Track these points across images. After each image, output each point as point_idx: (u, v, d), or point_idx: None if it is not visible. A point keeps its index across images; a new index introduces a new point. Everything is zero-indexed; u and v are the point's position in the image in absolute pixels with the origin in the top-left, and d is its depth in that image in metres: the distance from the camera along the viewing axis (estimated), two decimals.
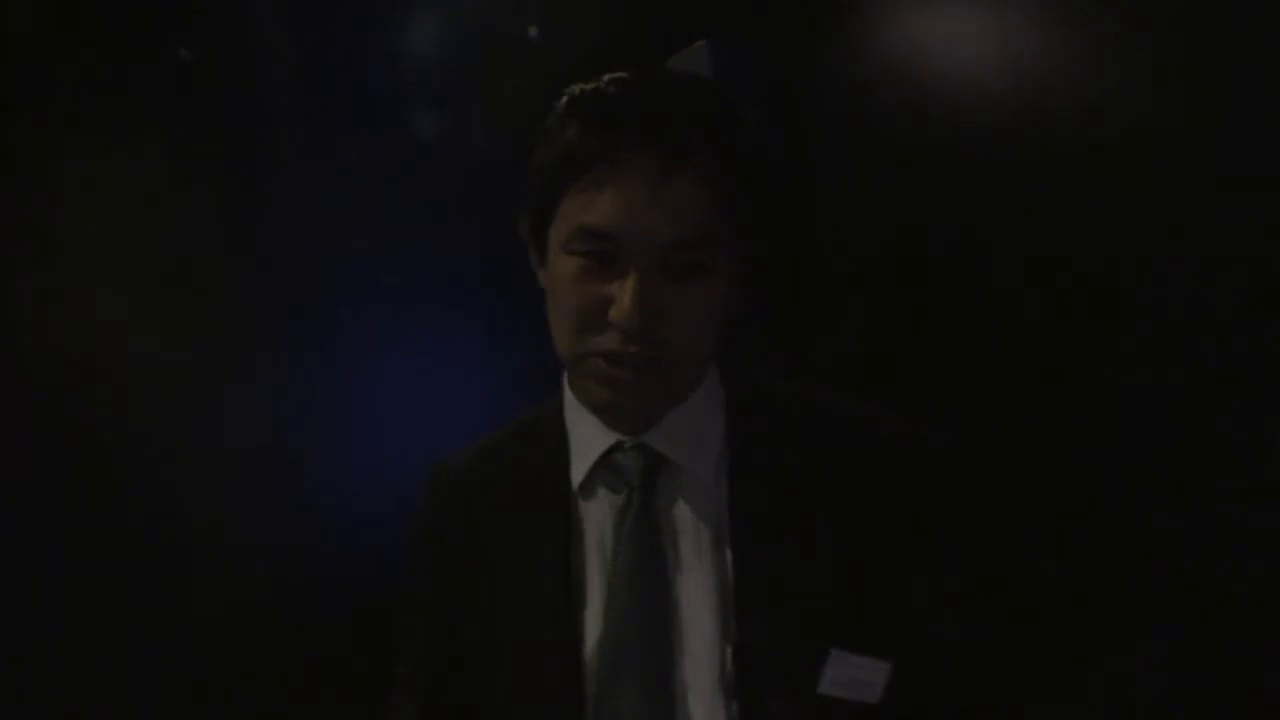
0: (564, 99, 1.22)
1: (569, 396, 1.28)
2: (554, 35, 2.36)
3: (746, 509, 1.21)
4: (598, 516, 1.25)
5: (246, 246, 2.42)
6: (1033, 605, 1.84)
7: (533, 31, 2.33)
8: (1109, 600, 1.85)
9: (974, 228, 2.01)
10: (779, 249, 1.30)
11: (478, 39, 2.41)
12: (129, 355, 2.37)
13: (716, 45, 2.02)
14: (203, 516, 2.33)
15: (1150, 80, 1.89)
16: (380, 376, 2.34)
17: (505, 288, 2.20)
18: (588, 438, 1.25)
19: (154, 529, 2.33)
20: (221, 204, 2.44)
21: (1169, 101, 1.86)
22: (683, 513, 1.23)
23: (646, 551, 1.21)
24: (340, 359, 2.37)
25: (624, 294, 1.14)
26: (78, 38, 2.38)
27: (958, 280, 2.03)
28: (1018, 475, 1.93)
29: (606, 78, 1.21)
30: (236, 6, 2.45)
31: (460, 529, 1.30)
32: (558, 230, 1.19)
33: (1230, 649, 1.72)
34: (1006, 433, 1.95)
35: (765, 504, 1.20)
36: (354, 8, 2.45)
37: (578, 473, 1.26)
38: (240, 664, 2.29)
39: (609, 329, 1.16)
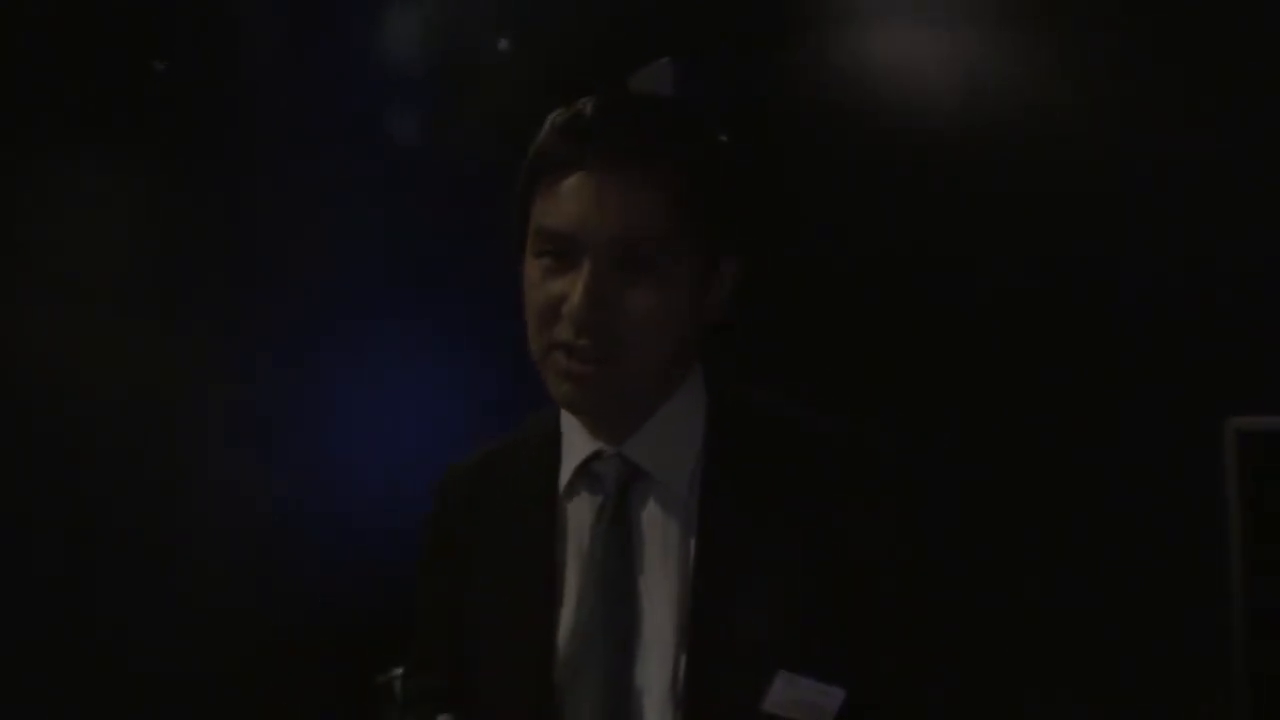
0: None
1: None
2: (524, 47, 2.39)
3: (714, 523, 1.24)
4: (579, 517, 1.29)
5: (226, 255, 2.43)
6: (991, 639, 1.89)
7: (503, 43, 2.38)
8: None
9: (930, 233, 2.08)
10: (750, 260, 1.34)
11: (450, 50, 2.44)
12: (112, 364, 2.38)
13: (678, 61, 2.07)
14: (190, 522, 2.35)
15: (1098, 90, 1.97)
16: (363, 383, 2.37)
17: (481, 294, 2.25)
18: (575, 443, 1.30)
19: (141, 533, 2.34)
20: (198, 214, 2.45)
21: (1114, 108, 1.94)
22: (654, 522, 1.26)
23: (616, 555, 1.25)
24: (320, 366, 2.39)
25: (576, 287, 1.20)
26: (55, 51, 2.39)
27: (918, 286, 2.09)
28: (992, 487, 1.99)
29: (580, 100, 1.27)
30: (210, 20, 2.46)
31: (462, 525, 1.35)
32: (529, 237, 1.26)
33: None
34: (980, 438, 2.02)
35: (733, 519, 1.24)
36: (327, 20, 2.47)
37: (564, 475, 1.30)
38: (226, 666, 2.30)
39: (564, 322, 1.21)
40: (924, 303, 2.08)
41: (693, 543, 1.24)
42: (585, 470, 1.29)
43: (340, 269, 2.41)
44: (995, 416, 2.01)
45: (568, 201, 1.21)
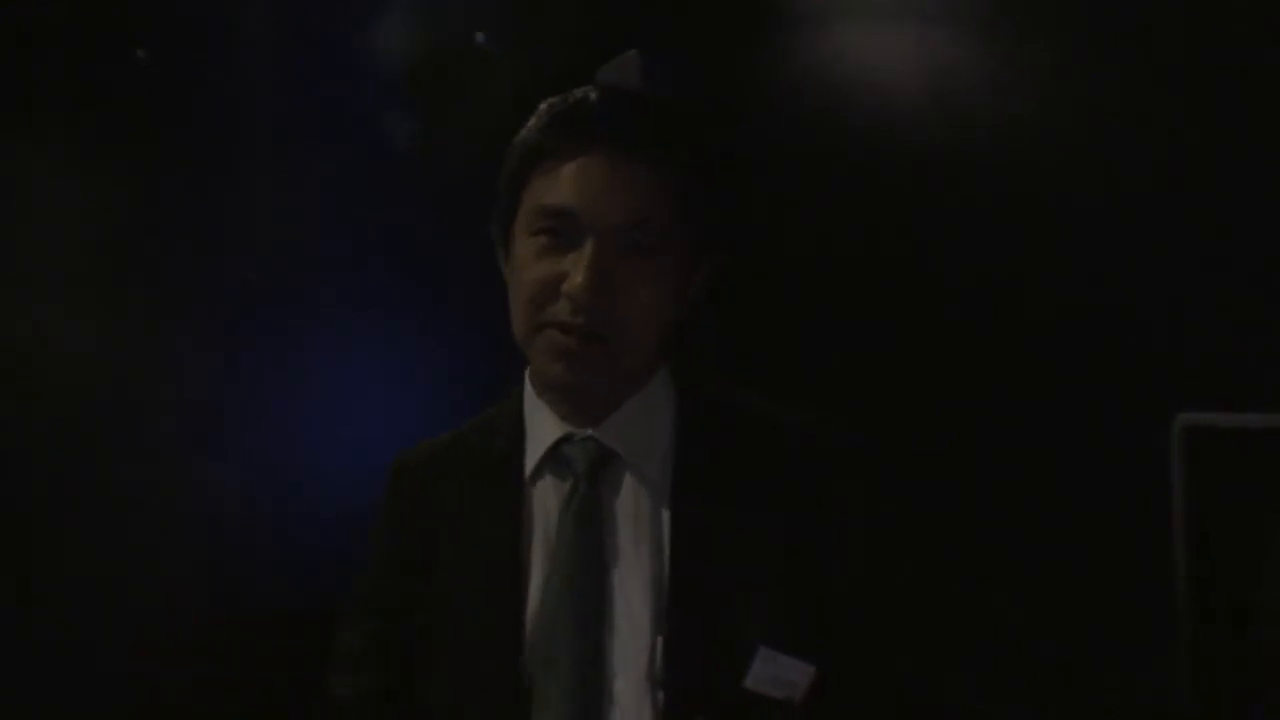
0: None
1: (529, 389, 1.35)
2: (501, 43, 2.41)
3: (687, 507, 1.26)
4: (545, 502, 1.31)
5: (200, 247, 2.44)
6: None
7: (480, 37, 2.39)
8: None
9: (891, 235, 2.09)
10: (729, 252, 1.36)
11: (427, 44, 2.45)
12: (83, 353, 2.38)
13: (647, 55, 2.09)
14: (157, 515, 2.35)
15: (1063, 95, 1.99)
16: (337, 377, 2.37)
17: (453, 288, 2.26)
18: (542, 428, 1.32)
19: (103, 527, 2.34)
20: (176, 206, 2.46)
21: (1081, 114, 1.96)
22: (624, 505, 1.28)
23: (585, 538, 1.27)
24: (293, 360, 2.40)
25: (578, 267, 1.22)
26: (34, 39, 2.40)
27: (882, 286, 2.10)
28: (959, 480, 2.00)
29: (574, 91, 1.31)
30: (191, 10, 2.47)
31: (417, 513, 1.36)
32: (521, 217, 1.28)
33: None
34: (947, 436, 2.03)
35: (705, 504, 1.26)
36: (308, 13, 2.47)
37: (530, 461, 1.32)
38: (186, 661, 2.30)
39: (562, 301, 1.23)
40: (888, 300, 2.10)
41: (666, 525, 1.26)
42: (553, 454, 1.31)
43: (316, 260, 2.41)
44: (958, 412, 2.03)
45: (572, 182, 1.23)
